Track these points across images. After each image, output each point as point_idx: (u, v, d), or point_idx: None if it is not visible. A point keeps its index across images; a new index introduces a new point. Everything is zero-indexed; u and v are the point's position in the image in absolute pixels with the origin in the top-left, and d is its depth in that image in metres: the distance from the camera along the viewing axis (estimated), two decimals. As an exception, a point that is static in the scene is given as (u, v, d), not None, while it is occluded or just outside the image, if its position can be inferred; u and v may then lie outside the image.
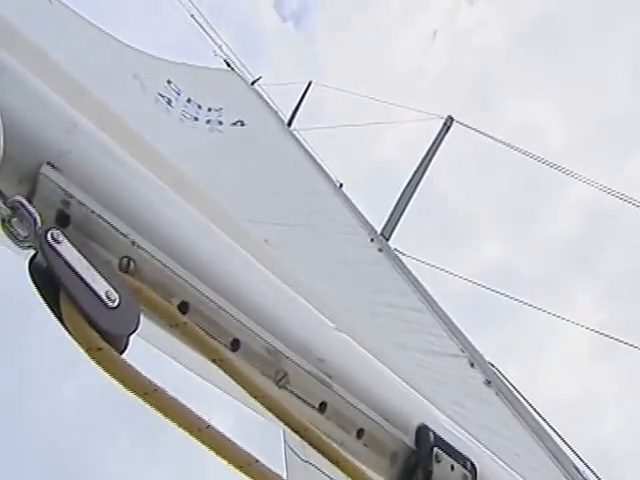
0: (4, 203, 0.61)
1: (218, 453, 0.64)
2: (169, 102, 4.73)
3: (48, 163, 0.64)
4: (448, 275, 4.41)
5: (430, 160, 4.93)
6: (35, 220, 0.61)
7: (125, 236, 0.68)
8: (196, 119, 4.99)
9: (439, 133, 5.05)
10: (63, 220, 0.65)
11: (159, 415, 0.64)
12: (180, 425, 0.63)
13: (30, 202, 0.62)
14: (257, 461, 0.65)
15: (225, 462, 0.65)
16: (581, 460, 2.19)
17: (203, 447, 0.65)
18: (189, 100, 5.15)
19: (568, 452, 2.19)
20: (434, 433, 0.82)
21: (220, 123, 5.18)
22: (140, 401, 0.63)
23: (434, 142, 5.02)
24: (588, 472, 2.16)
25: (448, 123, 5.10)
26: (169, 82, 5.07)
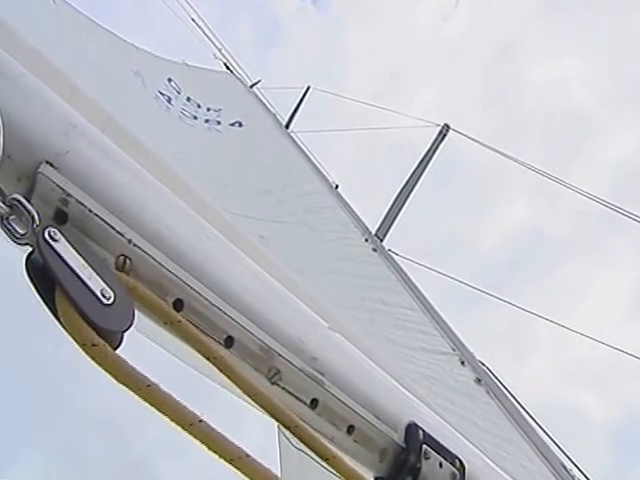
0: (2, 201, 0.62)
1: (209, 447, 0.65)
2: (169, 100, 4.75)
3: (47, 162, 0.65)
4: (443, 276, 4.43)
5: (426, 166, 4.96)
6: (33, 218, 0.62)
7: (122, 235, 0.69)
8: (195, 118, 5.01)
9: (434, 140, 5.07)
10: (61, 218, 0.66)
11: (152, 410, 0.65)
12: (172, 420, 0.64)
13: (28, 200, 0.63)
14: (248, 455, 0.66)
15: (216, 456, 0.66)
16: (569, 458, 2.22)
17: (195, 441, 0.66)
18: (189, 99, 5.17)
19: (556, 450, 2.22)
20: (423, 431, 0.83)
21: (218, 123, 5.20)
22: (134, 396, 0.65)
23: (429, 149, 5.05)
24: (576, 470, 2.19)
25: (444, 131, 5.13)
26: (170, 80, 5.10)
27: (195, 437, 0.65)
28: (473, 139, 5.11)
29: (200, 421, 0.65)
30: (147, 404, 0.64)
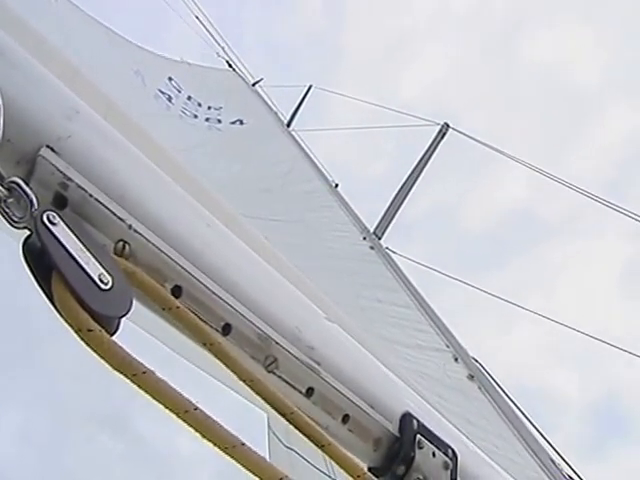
0: (0, 184, 0.62)
1: (204, 435, 0.65)
2: (169, 99, 4.75)
3: (48, 146, 0.65)
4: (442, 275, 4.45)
5: (424, 165, 4.96)
6: (31, 201, 0.61)
7: (122, 220, 0.68)
8: (195, 116, 5.02)
9: (434, 140, 5.07)
10: (60, 202, 0.66)
11: (147, 397, 0.65)
12: (167, 407, 0.64)
13: (27, 184, 0.63)
14: (243, 444, 0.66)
15: (210, 444, 0.66)
16: (558, 453, 2.24)
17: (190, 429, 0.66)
18: (189, 98, 5.18)
19: (546, 446, 2.24)
20: (418, 420, 0.83)
21: (219, 121, 5.21)
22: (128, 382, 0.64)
23: (429, 148, 5.05)
24: (564, 465, 2.21)
25: (444, 130, 5.13)
26: (170, 79, 5.10)
27: (190, 425, 0.65)
28: (473, 138, 5.10)
29: (195, 409, 0.65)
30: (142, 391, 0.64)
